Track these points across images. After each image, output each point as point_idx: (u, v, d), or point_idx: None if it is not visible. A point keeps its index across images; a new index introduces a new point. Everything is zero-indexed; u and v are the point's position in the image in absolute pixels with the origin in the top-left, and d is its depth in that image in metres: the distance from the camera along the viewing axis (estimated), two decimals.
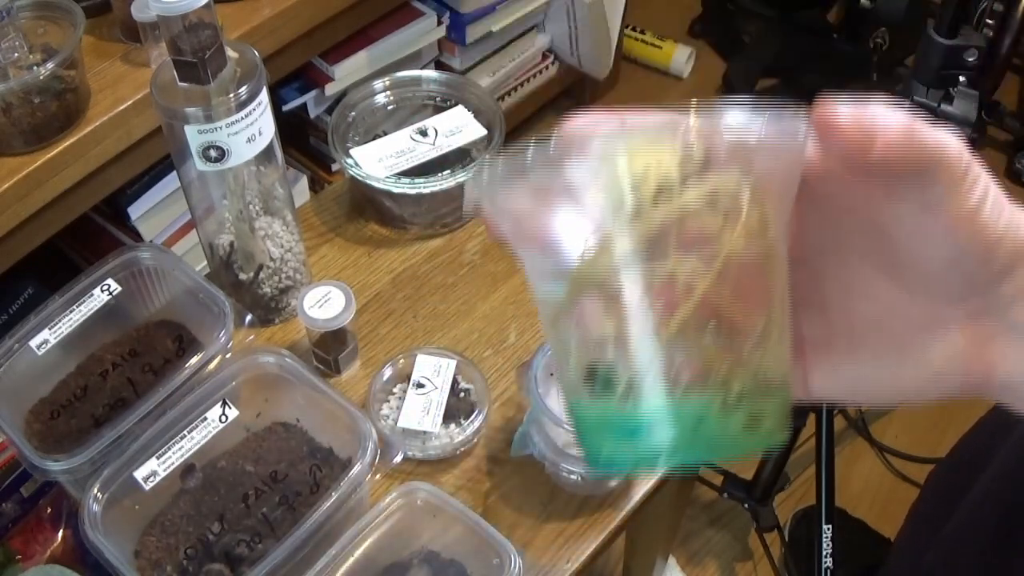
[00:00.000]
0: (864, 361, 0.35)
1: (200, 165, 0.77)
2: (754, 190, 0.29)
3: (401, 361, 0.87)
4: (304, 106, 1.55)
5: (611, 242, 0.29)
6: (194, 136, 0.75)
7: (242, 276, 0.88)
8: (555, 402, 0.75)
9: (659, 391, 0.29)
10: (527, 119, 1.97)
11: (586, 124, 0.32)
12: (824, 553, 1.27)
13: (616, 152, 0.29)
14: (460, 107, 1.03)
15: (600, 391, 0.31)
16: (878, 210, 0.31)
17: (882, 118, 0.29)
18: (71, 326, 0.79)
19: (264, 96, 0.77)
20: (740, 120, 0.29)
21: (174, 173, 0.91)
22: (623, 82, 2.13)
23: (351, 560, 0.70)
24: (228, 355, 0.78)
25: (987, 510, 0.89)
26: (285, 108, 1.52)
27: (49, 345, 0.78)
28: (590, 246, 0.29)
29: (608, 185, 0.29)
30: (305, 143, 1.66)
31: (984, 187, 0.30)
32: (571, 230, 0.30)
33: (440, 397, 0.83)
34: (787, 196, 0.31)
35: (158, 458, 0.73)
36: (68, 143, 1.03)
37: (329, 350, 0.87)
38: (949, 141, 0.29)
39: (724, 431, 0.30)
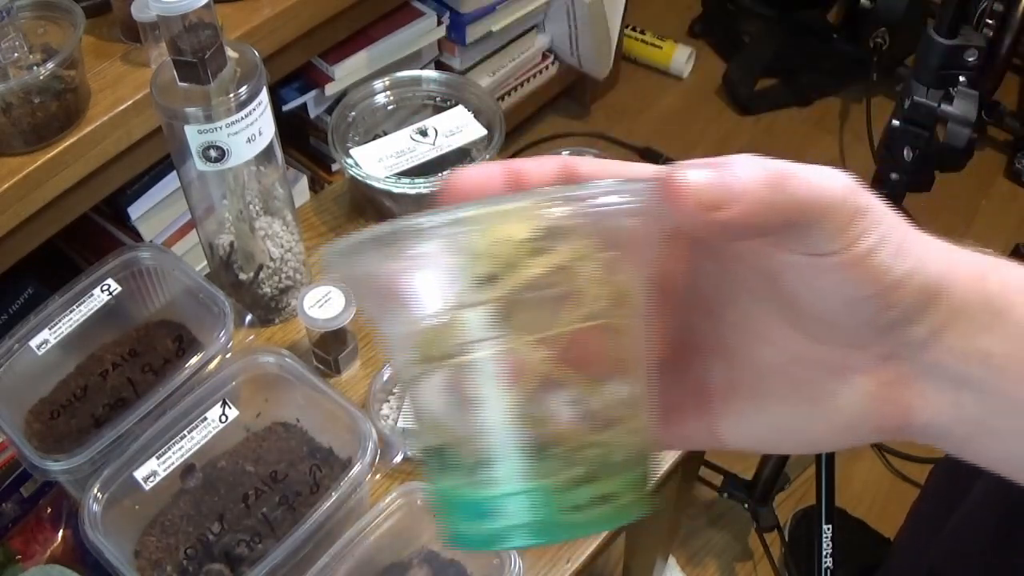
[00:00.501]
0: (771, 409, 0.33)
1: (200, 165, 0.77)
2: (607, 260, 0.28)
3: None
4: (304, 106, 1.55)
5: (459, 315, 0.28)
6: (194, 136, 0.75)
7: (242, 276, 0.88)
8: None
9: (506, 469, 0.28)
10: (527, 119, 1.97)
11: (471, 178, 0.31)
12: (824, 553, 1.27)
13: (468, 223, 0.27)
14: (460, 107, 1.03)
15: (441, 469, 0.30)
16: (765, 257, 0.30)
17: (741, 178, 0.27)
18: (71, 326, 0.79)
19: (264, 96, 0.77)
20: (596, 191, 0.28)
21: (174, 173, 0.91)
22: (623, 82, 2.13)
23: (351, 560, 0.70)
24: (228, 355, 0.78)
25: (987, 510, 0.90)
26: (285, 108, 1.52)
27: (49, 345, 0.78)
28: (437, 318, 0.28)
29: (457, 257, 0.28)
30: (305, 143, 1.66)
31: (883, 231, 0.28)
32: (425, 291, 0.29)
33: None
34: (644, 265, 0.30)
35: (158, 458, 0.73)
36: (68, 143, 1.03)
37: (329, 350, 0.87)
38: (827, 188, 0.27)
39: (576, 509, 0.28)
